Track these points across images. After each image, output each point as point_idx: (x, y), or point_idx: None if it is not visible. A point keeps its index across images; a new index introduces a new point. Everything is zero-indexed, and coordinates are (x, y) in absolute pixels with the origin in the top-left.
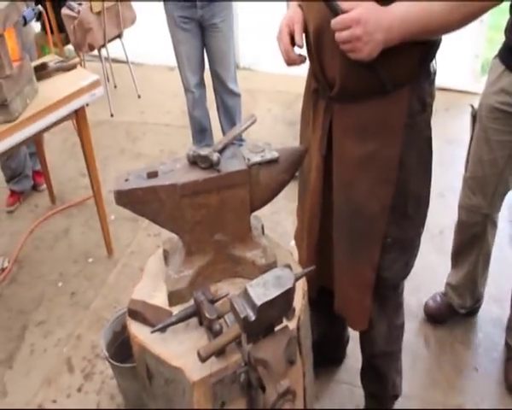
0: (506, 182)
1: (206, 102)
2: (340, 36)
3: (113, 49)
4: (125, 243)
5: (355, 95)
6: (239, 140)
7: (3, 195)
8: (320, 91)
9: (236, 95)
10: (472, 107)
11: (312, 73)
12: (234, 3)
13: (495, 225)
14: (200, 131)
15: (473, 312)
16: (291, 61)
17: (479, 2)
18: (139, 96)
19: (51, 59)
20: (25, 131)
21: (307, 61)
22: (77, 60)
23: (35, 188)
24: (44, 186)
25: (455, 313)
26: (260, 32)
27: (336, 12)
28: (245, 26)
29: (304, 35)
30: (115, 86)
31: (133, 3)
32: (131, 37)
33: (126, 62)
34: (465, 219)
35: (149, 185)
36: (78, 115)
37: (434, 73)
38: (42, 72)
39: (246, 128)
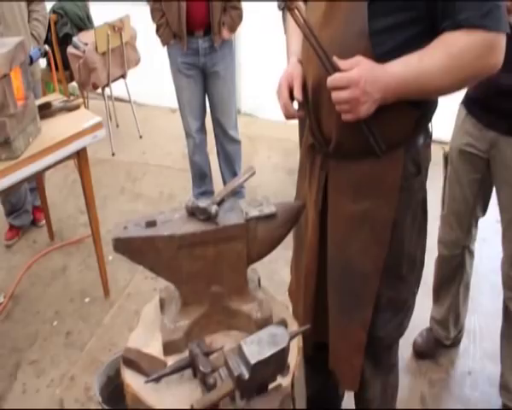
0: (478, 214)
1: (207, 147)
2: (338, 96)
3: (117, 87)
4: (123, 284)
5: (350, 153)
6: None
7: (2, 228)
8: (316, 147)
9: (237, 142)
10: (443, 149)
11: (309, 129)
12: (236, 52)
13: (472, 254)
14: (200, 176)
15: (456, 342)
16: (290, 116)
17: (476, 66)
18: (141, 137)
19: (55, 98)
20: (26, 170)
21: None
22: (80, 100)
23: (34, 223)
24: (44, 222)
25: (441, 345)
26: (262, 79)
27: (331, 71)
28: (247, 73)
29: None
30: (117, 125)
31: (137, 45)
32: (135, 77)
33: (129, 102)
34: (446, 253)
35: (148, 235)
36: (80, 156)
37: (430, 136)
38: (45, 111)
39: (244, 181)
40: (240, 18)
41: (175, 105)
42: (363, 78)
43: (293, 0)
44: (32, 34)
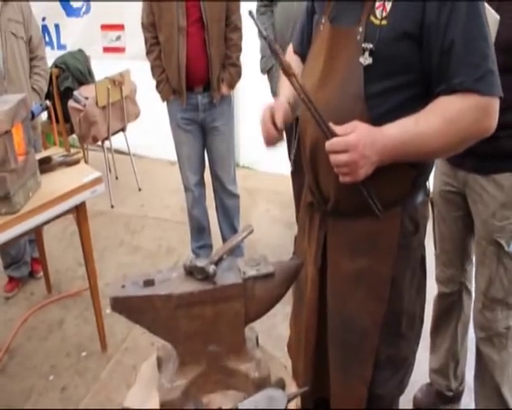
0: (469, 250)
1: (206, 201)
2: (336, 159)
3: (117, 139)
4: (120, 338)
5: (348, 212)
6: None
7: (0, 280)
8: (315, 205)
9: (235, 196)
10: (428, 191)
11: (308, 187)
12: (234, 105)
13: (470, 294)
14: (199, 230)
15: (458, 395)
16: (270, 140)
17: (470, 130)
18: (140, 189)
19: (55, 152)
20: (26, 224)
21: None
22: (80, 155)
23: (32, 275)
24: (41, 274)
25: (442, 399)
26: (260, 132)
27: (329, 135)
28: (245, 126)
29: (299, 147)
30: (116, 177)
31: (137, 98)
32: (134, 129)
33: (128, 154)
34: (443, 290)
35: (145, 294)
36: (79, 210)
37: (428, 194)
38: (45, 165)
39: (242, 239)
40: (239, 74)
41: (174, 158)
42: (361, 141)
43: (289, 67)
44: (34, 88)
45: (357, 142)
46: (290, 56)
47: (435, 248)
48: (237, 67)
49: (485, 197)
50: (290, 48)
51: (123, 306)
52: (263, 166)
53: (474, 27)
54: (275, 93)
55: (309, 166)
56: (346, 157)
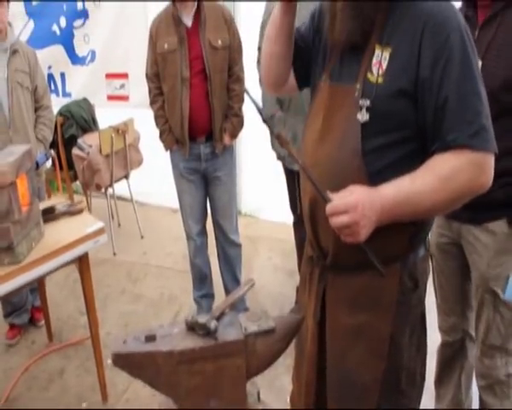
0: (469, 297)
1: (207, 250)
2: (337, 221)
3: (119, 186)
4: (121, 389)
5: (347, 267)
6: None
7: (1, 328)
8: (315, 259)
9: (237, 245)
10: (428, 246)
11: (308, 241)
12: (237, 153)
13: (473, 341)
14: (201, 279)
15: None
16: None
17: (466, 187)
18: (142, 237)
19: (59, 201)
20: (28, 275)
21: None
22: (83, 205)
23: (33, 323)
24: (43, 322)
25: None
26: (262, 180)
27: (327, 200)
28: (247, 174)
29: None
30: (119, 225)
31: (140, 146)
32: (137, 176)
33: (131, 201)
34: (446, 339)
35: (147, 350)
36: (81, 260)
37: (427, 250)
38: (49, 215)
39: (244, 293)
40: (241, 124)
41: (176, 205)
42: (360, 201)
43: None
44: (38, 138)
45: (357, 202)
46: None
47: (436, 297)
48: (239, 117)
49: (478, 247)
50: None
51: (125, 361)
52: (265, 214)
53: (467, 84)
54: (273, 145)
55: (308, 221)
56: (346, 218)
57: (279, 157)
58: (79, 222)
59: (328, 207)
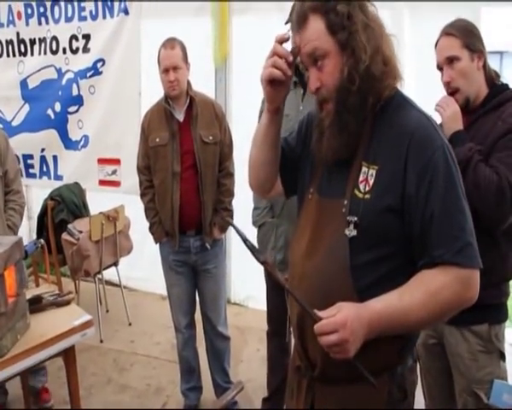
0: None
1: (196, 342)
2: (327, 340)
3: (108, 271)
4: None
5: (336, 378)
6: (226, 382)
7: None
8: (302, 369)
9: (226, 338)
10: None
11: (296, 351)
12: (226, 244)
13: None
14: (189, 371)
15: None
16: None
17: (452, 302)
18: (130, 324)
19: (46, 291)
20: (11, 369)
21: None
22: (71, 296)
23: (40, 405)
24: (51, 403)
25: None
26: (251, 269)
27: (316, 319)
28: (236, 263)
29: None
30: (107, 311)
31: (131, 231)
32: (126, 262)
33: (120, 287)
34: None
35: None
36: (67, 352)
37: (415, 360)
38: (36, 305)
39: (233, 397)
40: (231, 218)
41: (165, 292)
42: (348, 318)
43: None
44: (8, 225)
45: (345, 320)
46: None
47: (425, 399)
48: (229, 211)
49: (460, 349)
50: None
51: None
52: (254, 303)
53: (452, 201)
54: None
55: (296, 333)
56: (335, 337)
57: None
58: (67, 313)
59: (317, 327)
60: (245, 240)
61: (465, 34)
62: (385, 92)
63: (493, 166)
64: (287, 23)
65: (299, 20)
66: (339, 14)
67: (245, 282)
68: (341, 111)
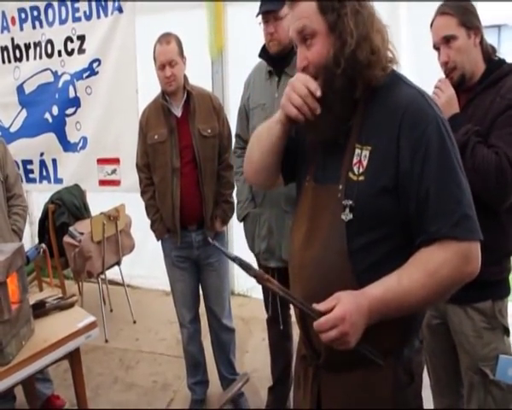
0: (462, 377)
1: (201, 336)
2: (327, 336)
3: (111, 270)
4: None
5: (341, 365)
6: (232, 374)
7: None
8: (308, 358)
9: (231, 330)
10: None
11: (301, 340)
12: (229, 236)
13: None
14: (195, 366)
15: None
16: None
17: (453, 277)
18: (134, 322)
19: (50, 295)
20: (17, 375)
21: None
22: (75, 298)
23: None
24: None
25: None
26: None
27: (315, 316)
28: (240, 253)
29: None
30: (111, 310)
31: (132, 229)
32: (129, 260)
33: (123, 285)
34: None
35: None
36: (72, 354)
37: (421, 342)
38: (39, 310)
39: (238, 389)
40: (232, 210)
41: (169, 288)
42: (347, 311)
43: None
44: (13, 229)
45: (344, 313)
46: None
47: (430, 379)
48: (230, 203)
49: (464, 327)
50: None
51: None
52: (257, 292)
53: (447, 174)
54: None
55: (299, 323)
56: (335, 332)
57: (254, 254)
58: (70, 316)
59: (316, 325)
60: (234, 258)
61: (461, 12)
62: (373, 81)
63: (493, 145)
64: (257, 15)
65: None
66: None
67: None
68: (327, 92)
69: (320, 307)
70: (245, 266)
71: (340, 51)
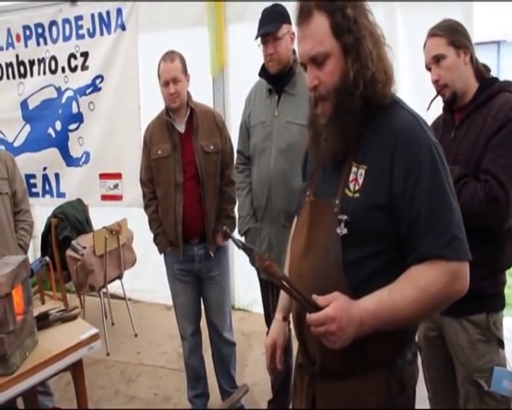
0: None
1: (202, 349)
2: (316, 331)
3: (113, 284)
4: None
5: (335, 373)
6: (232, 387)
7: None
8: (304, 366)
9: (231, 344)
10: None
11: (298, 348)
12: (230, 251)
13: None
14: (195, 379)
15: None
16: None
17: (442, 295)
18: (136, 335)
19: (52, 307)
20: (21, 385)
21: None
22: (77, 311)
23: None
24: None
25: None
26: (255, 273)
27: (309, 310)
28: (240, 268)
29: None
30: (113, 323)
31: (134, 243)
32: (130, 273)
33: (124, 299)
34: None
35: None
36: (75, 366)
37: (414, 354)
38: (43, 322)
39: (238, 399)
40: (234, 225)
41: (170, 302)
42: (337, 314)
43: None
44: (20, 244)
45: (335, 315)
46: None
47: (427, 391)
48: (232, 218)
49: (459, 339)
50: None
51: None
52: (258, 307)
53: (438, 197)
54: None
55: (296, 330)
56: (323, 329)
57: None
58: (73, 328)
59: (308, 317)
60: (236, 244)
61: (450, 32)
62: (384, 100)
63: (485, 169)
64: (256, 38)
65: (302, 14)
66: (346, 16)
67: (249, 287)
68: (340, 112)
69: (319, 300)
70: (252, 258)
71: (360, 73)
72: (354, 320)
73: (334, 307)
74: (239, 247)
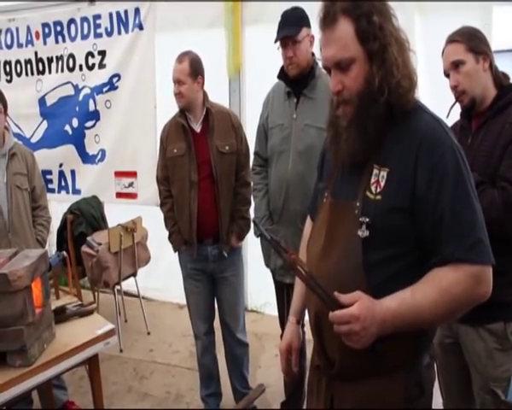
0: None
1: (215, 349)
2: (338, 329)
3: (126, 281)
4: None
5: (354, 374)
6: (245, 388)
7: None
8: (322, 369)
9: (244, 344)
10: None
11: (315, 350)
12: (243, 252)
13: None
14: (208, 378)
15: None
16: (289, 377)
17: (464, 298)
18: (149, 333)
19: (69, 302)
20: (38, 377)
21: None
22: (94, 306)
23: None
24: None
25: None
26: (268, 275)
27: (332, 308)
28: (253, 270)
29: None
30: (126, 320)
31: (148, 241)
32: (144, 272)
33: (138, 297)
34: None
35: None
36: (91, 361)
37: (432, 359)
38: (60, 315)
39: (254, 399)
40: (248, 227)
41: (183, 301)
42: (362, 313)
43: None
44: (38, 239)
45: (359, 314)
46: (308, 224)
47: (442, 397)
48: (246, 219)
49: (476, 348)
50: (309, 219)
51: None
52: (271, 309)
53: (461, 200)
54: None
55: (314, 331)
56: (347, 328)
57: (270, 270)
58: (90, 323)
59: (331, 315)
60: (262, 235)
61: (469, 38)
62: (407, 105)
63: (502, 176)
64: (276, 41)
65: (326, 18)
66: (371, 22)
67: (262, 289)
68: (362, 116)
69: (343, 298)
70: (277, 251)
71: (385, 80)
72: (377, 320)
73: (359, 306)
74: (266, 239)
